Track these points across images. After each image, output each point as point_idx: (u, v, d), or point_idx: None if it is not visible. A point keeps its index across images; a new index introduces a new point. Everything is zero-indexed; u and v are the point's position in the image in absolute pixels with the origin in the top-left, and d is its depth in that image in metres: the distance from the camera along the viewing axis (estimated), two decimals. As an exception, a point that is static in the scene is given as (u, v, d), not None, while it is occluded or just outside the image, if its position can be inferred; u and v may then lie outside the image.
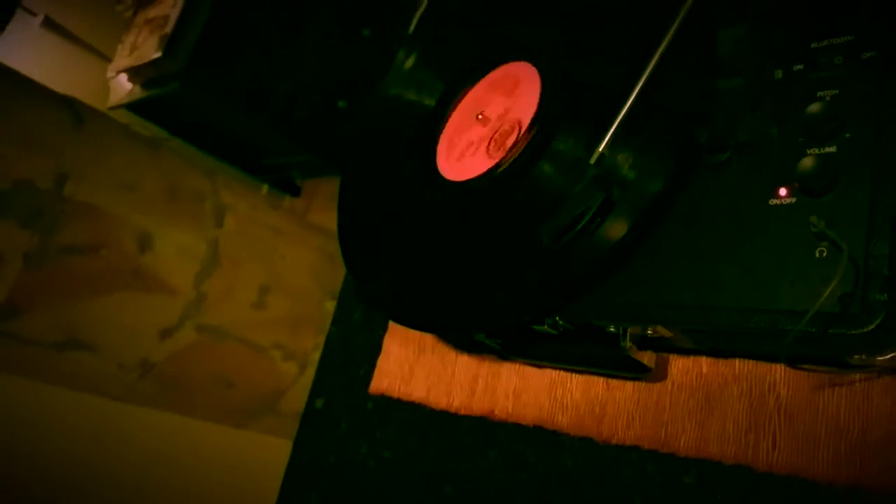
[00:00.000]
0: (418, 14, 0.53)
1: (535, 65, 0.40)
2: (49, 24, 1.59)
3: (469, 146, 0.42)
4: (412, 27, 0.51)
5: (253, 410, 1.36)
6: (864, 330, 0.27)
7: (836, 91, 0.30)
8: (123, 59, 1.58)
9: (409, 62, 0.47)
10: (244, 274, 1.24)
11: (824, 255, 0.28)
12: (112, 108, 1.60)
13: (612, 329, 0.34)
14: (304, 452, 0.53)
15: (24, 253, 1.01)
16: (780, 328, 0.28)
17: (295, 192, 1.81)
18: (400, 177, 0.45)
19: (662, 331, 0.33)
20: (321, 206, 1.69)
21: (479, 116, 0.42)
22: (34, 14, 1.59)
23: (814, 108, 0.30)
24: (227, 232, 1.23)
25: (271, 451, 1.23)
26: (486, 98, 0.42)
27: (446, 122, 0.44)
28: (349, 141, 0.48)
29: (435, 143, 0.44)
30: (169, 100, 1.55)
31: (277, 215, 1.37)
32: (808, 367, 0.32)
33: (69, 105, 1.18)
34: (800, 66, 0.32)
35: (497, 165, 0.39)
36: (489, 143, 0.41)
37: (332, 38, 1.72)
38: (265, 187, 1.79)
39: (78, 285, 1.08)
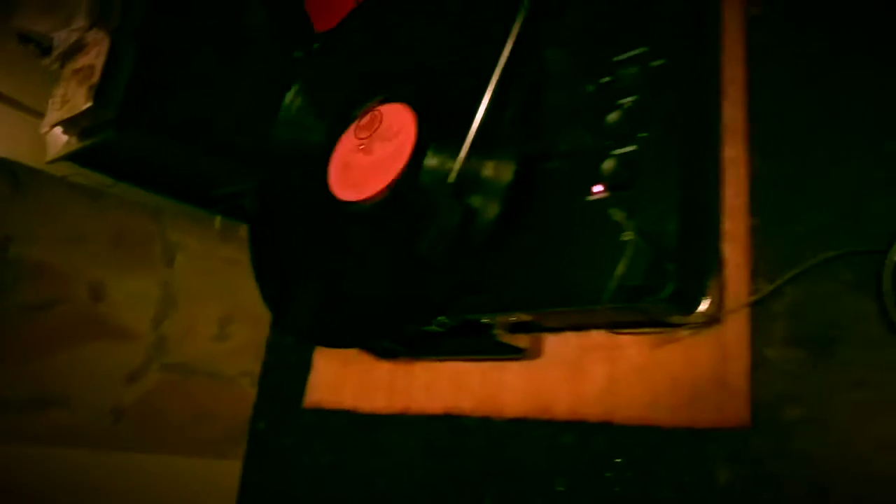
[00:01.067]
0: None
1: (408, 101, 0.46)
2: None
3: (356, 174, 0.48)
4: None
5: (232, 438, 1.40)
6: (662, 296, 0.33)
7: (635, 97, 0.37)
8: (55, 112, 1.60)
9: (296, 105, 0.53)
10: (202, 309, 1.29)
11: (629, 238, 0.34)
12: (50, 162, 1.62)
13: (485, 320, 0.40)
14: (252, 474, 0.59)
15: (-21, 318, 1.05)
16: (595, 303, 0.34)
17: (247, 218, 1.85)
18: (300, 208, 0.51)
19: (523, 316, 0.39)
20: (273, 230, 1.73)
21: (363, 147, 0.48)
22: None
23: (612, 116, 0.36)
24: (179, 270, 1.28)
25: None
26: (368, 132, 0.48)
27: (334, 154, 0.50)
28: (252, 183, 0.53)
29: (326, 174, 0.49)
30: (106, 147, 1.58)
31: (229, 246, 1.42)
32: (646, 331, 0.38)
33: (5, 168, 1.22)
34: (607, 78, 0.38)
35: (379, 191, 0.45)
36: (373, 170, 0.47)
37: (267, 63, 1.77)
38: (218, 219, 1.83)
39: (39, 342, 1.12)
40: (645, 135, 0.36)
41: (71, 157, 1.64)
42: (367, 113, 0.48)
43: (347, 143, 0.49)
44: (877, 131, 0.35)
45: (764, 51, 0.39)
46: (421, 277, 0.42)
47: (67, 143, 1.64)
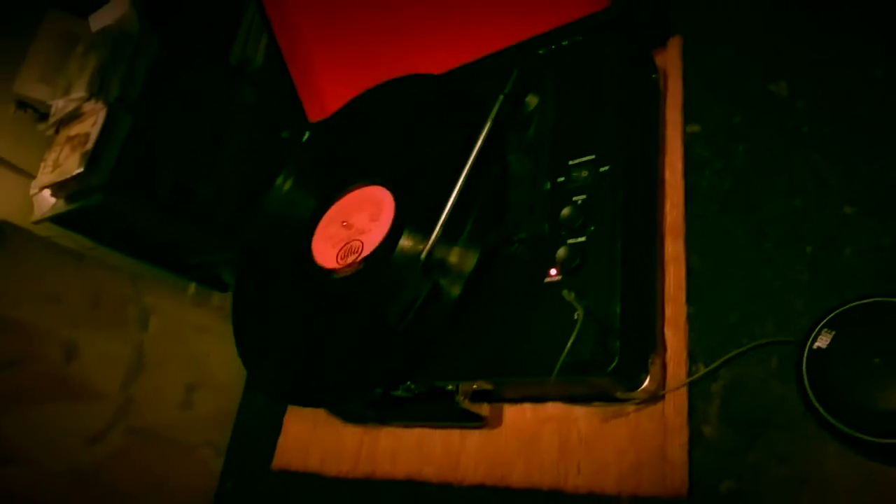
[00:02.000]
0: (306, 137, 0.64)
1: (385, 184, 0.50)
2: (-32, 148, 1.64)
3: (336, 248, 0.51)
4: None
5: (190, 511, 1.36)
6: (607, 371, 0.36)
7: (585, 196, 0.41)
8: (46, 175, 1.63)
9: (287, 185, 0.57)
10: (171, 374, 1.28)
11: (578, 317, 0.38)
12: (36, 222, 1.64)
13: (449, 387, 0.43)
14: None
15: (-54, 373, 1.03)
16: (547, 376, 0.37)
17: (223, 287, 1.86)
18: (281, 274, 0.54)
19: (483, 384, 0.42)
20: (248, 300, 1.74)
21: (344, 224, 0.52)
22: (-47, 139, 1.63)
23: (565, 211, 0.40)
24: (152, 334, 1.27)
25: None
26: (349, 211, 0.52)
27: (318, 227, 0.53)
28: (239, 254, 0.56)
29: (309, 245, 0.53)
30: (92, 211, 1.60)
31: (202, 313, 1.42)
32: (596, 405, 0.41)
33: (-8, 227, 1.23)
34: (562, 178, 0.43)
35: (358, 263, 0.48)
36: (352, 245, 0.50)
37: (252, 141, 1.83)
38: (192, 286, 1.84)
39: (3, 400, 1.10)
40: (592, 228, 0.40)
41: (56, 218, 1.66)
42: (350, 193, 0.52)
43: (331, 219, 0.52)
44: (796, 237, 0.39)
45: (700, 161, 0.44)
46: (390, 344, 0.44)
47: (55, 205, 1.66)
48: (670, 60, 0.48)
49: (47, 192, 1.67)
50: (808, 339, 0.34)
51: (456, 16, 0.55)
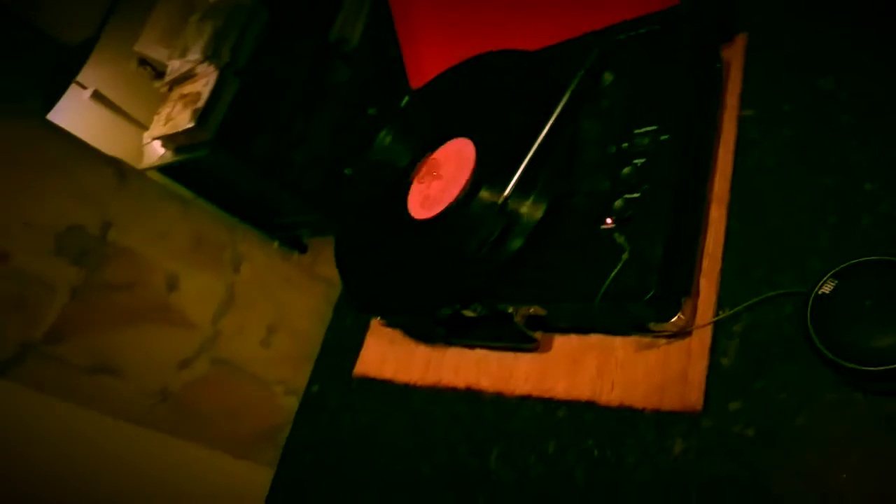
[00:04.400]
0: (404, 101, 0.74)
1: (472, 140, 0.60)
2: (97, 96, 1.84)
3: (431, 192, 0.61)
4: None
5: (255, 442, 1.50)
6: (645, 297, 0.44)
7: (644, 160, 0.49)
8: (159, 127, 1.81)
9: (388, 139, 0.67)
10: (255, 315, 1.42)
11: (625, 256, 0.46)
12: (145, 169, 1.82)
13: (510, 310, 0.52)
14: (301, 430, 0.70)
15: (71, 287, 1.20)
16: (593, 300, 0.46)
17: (302, 249, 2.01)
18: (380, 215, 0.65)
19: (538, 310, 0.51)
20: (326, 260, 1.88)
21: (436, 174, 0.61)
22: (85, 88, 1.84)
23: (626, 170, 0.49)
24: (243, 278, 1.42)
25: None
26: (441, 162, 0.62)
27: (414, 177, 0.63)
28: (344, 191, 0.67)
29: (407, 190, 0.63)
30: (196, 164, 1.78)
31: (288, 266, 1.57)
32: (634, 335, 0.50)
33: (114, 165, 1.40)
34: (626, 145, 0.51)
35: (446, 206, 0.58)
36: (443, 192, 0.60)
37: (342, 115, 1.97)
38: (276, 243, 2.00)
39: (113, 317, 1.26)
40: (647, 186, 0.48)
41: (163, 168, 1.84)
42: (442, 148, 0.62)
43: (424, 168, 0.62)
44: (823, 209, 0.46)
45: (751, 141, 0.52)
46: (466, 270, 0.54)
47: (163, 156, 1.85)
48: (734, 54, 0.55)
49: (157, 143, 1.86)
50: (815, 287, 0.41)
51: (552, 5, 0.64)
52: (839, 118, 0.48)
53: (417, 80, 0.75)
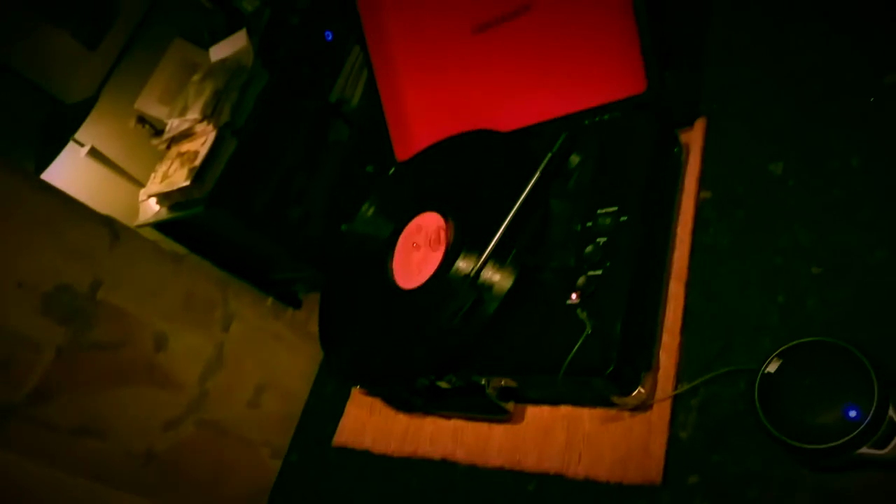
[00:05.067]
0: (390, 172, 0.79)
1: (449, 214, 0.64)
2: (94, 153, 1.91)
3: (410, 263, 0.65)
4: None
5: (245, 506, 1.51)
6: (605, 373, 0.48)
7: (606, 239, 0.54)
8: (155, 185, 1.88)
9: (370, 211, 0.72)
10: (243, 374, 1.45)
11: (587, 331, 0.50)
12: (140, 226, 1.88)
13: (482, 381, 0.56)
14: (279, 498, 0.72)
15: (57, 346, 1.23)
16: (557, 373, 0.49)
17: (297, 304, 2.05)
18: (360, 285, 0.69)
19: (509, 382, 0.55)
20: (318, 318, 1.92)
21: (414, 244, 0.66)
22: (82, 145, 1.91)
23: (589, 248, 0.53)
24: (233, 337, 1.45)
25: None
26: (420, 234, 0.66)
27: (395, 247, 0.68)
28: (330, 261, 0.71)
29: (387, 261, 0.67)
30: (191, 221, 1.83)
31: (279, 324, 1.60)
32: (599, 408, 0.53)
33: (108, 223, 1.45)
34: (590, 223, 0.55)
35: (424, 279, 0.62)
36: (421, 264, 0.64)
37: (340, 172, 2.04)
38: (270, 299, 2.04)
39: (99, 378, 1.29)
40: (608, 264, 0.52)
41: (158, 224, 1.90)
42: (421, 218, 0.66)
43: (405, 239, 0.66)
44: (773, 289, 0.50)
45: (707, 223, 0.56)
46: (440, 342, 0.58)
47: (158, 212, 1.91)
48: (694, 138, 0.60)
49: (153, 200, 1.92)
50: (761, 366, 0.45)
51: (526, 86, 0.70)
52: (788, 202, 0.53)
53: (403, 153, 0.80)
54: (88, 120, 1.97)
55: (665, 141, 0.58)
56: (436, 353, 0.58)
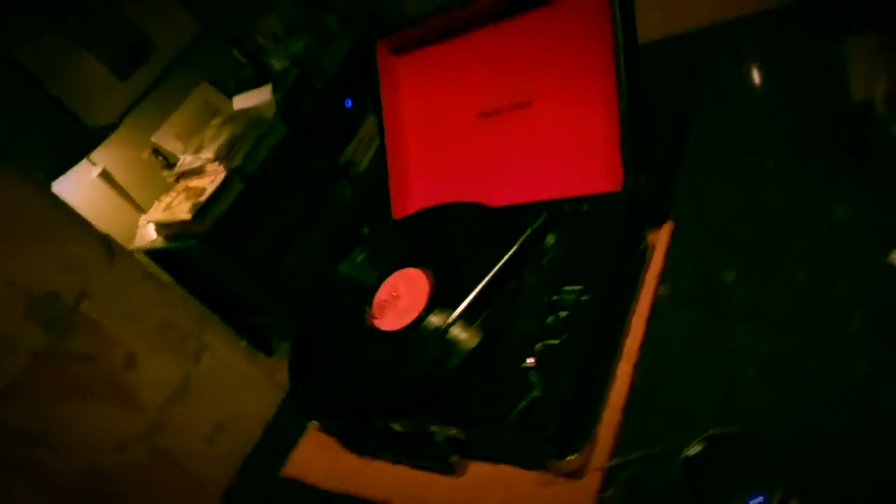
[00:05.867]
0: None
1: (433, 272, 0.69)
2: (104, 175, 1.97)
3: (388, 311, 0.69)
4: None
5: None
6: (545, 433, 0.51)
7: (567, 313, 0.58)
8: (157, 213, 1.93)
9: (360, 258, 0.77)
10: (206, 409, 1.45)
11: (536, 394, 0.54)
12: (135, 250, 1.92)
13: (433, 429, 0.59)
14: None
15: (33, 350, 1.25)
16: (502, 428, 0.52)
17: (269, 351, 2.06)
18: (337, 324, 0.73)
19: (458, 433, 0.58)
20: (289, 368, 1.93)
21: (395, 294, 0.70)
22: (95, 164, 1.97)
23: (550, 319, 0.58)
24: (202, 369, 1.46)
25: None
26: (400, 285, 0.70)
27: (377, 296, 0.72)
28: (313, 298, 0.76)
29: (366, 305, 0.71)
30: (183, 253, 1.88)
31: (250, 366, 1.61)
32: (537, 471, 0.56)
33: (105, 242, 1.49)
34: (556, 297, 0.60)
35: (399, 328, 0.66)
36: (398, 313, 0.68)
37: (337, 230, 2.10)
38: (244, 342, 2.05)
39: (65, 387, 1.30)
40: (566, 336, 0.57)
41: (152, 251, 1.94)
42: (405, 272, 0.71)
43: (386, 287, 0.71)
44: (713, 381, 0.54)
45: (661, 315, 0.61)
46: (402, 386, 0.61)
47: (154, 240, 1.95)
48: (661, 238, 0.66)
49: (152, 227, 1.97)
50: (684, 450, 0.49)
51: (518, 169, 0.76)
52: (735, 307, 0.58)
53: (399, 212, 0.86)
54: (106, 143, 2.05)
55: (632, 236, 0.63)
56: (395, 396, 0.61)
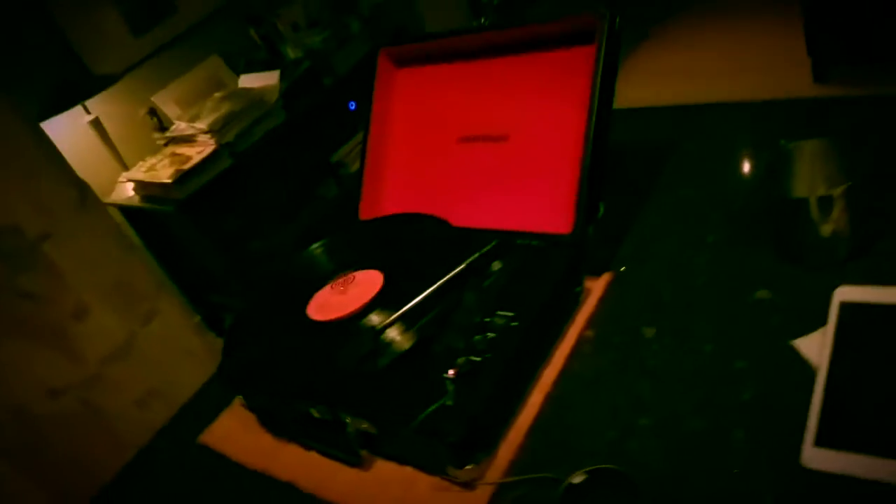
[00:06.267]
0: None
1: (384, 274, 0.73)
2: (96, 123, 2.00)
3: (329, 303, 0.73)
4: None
5: (81, 496, 1.47)
6: (447, 440, 0.56)
7: (494, 335, 0.63)
8: (139, 172, 1.96)
9: (319, 250, 0.81)
10: (143, 373, 1.47)
11: (450, 402, 0.58)
12: (108, 203, 1.94)
13: (347, 420, 0.63)
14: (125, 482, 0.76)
15: (-15, 281, 1.26)
16: (409, 427, 0.57)
17: (220, 332, 2.08)
18: (281, 308, 0.77)
19: (370, 427, 0.62)
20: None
21: (342, 289, 0.74)
22: (89, 112, 2.00)
23: (477, 338, 0.62)
24: (149, 333, 1.49)
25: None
26: (355, 282, 0.75)
27: (328, 286, 0.76)
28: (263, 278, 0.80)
29: (312, 295, 0.75)
30: (156, 216, 1.90)
31: (197, 341, 1.63)
32: (436, 476, 0.60)
33: (81, 188, 1.52)
34: (488, 319, 0.65)
35: (338, 316, 0.70)
36: (338, 306, 0.72)
37: (316, 224, 2.14)
38: (198, 318, 2.07)
39: (10, 324, 1.31)
40: (489, 356, 0.61)
41: (126, 208, 1.96)
42: (358, 272, 0.75)
43: (334, 285, 0.75)
44: (610, 425, 0.59)
45: (581, 354, 0.66)
46: (329, 375, 0.65)
47: (130, 197, 1.98)
48: (598, 286, 0.71)
49: (131, 185, 1.99)
50: (562, 484, 0.53)
51: (483, 195, 0.81)
52: (647, 361, 0.63)
53: (367, 213, 0.91)
54: (104, 93, 2.08)
55: (571, 278, 0.68)
56: (321, 384, 0.65)
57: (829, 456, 0.50)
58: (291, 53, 2.34)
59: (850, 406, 0.52)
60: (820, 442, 0.51)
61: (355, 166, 2.28)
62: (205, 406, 0.82)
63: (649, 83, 2.71)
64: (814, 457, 0.50)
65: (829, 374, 0.55)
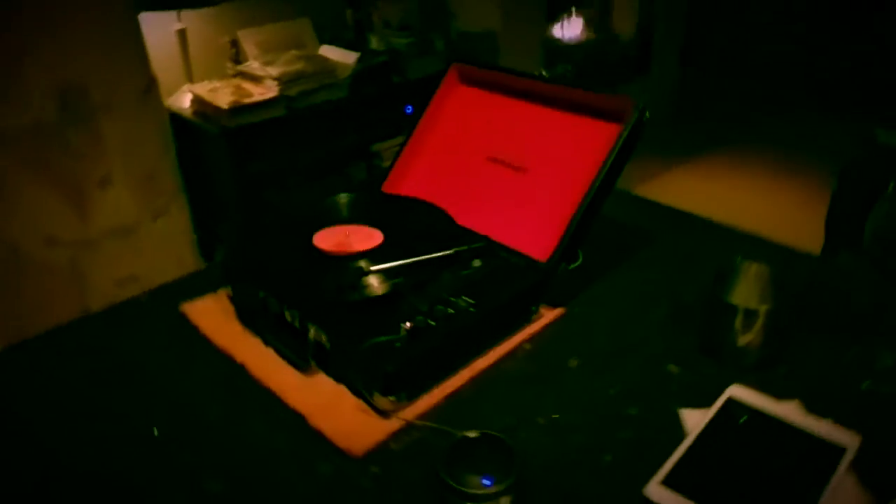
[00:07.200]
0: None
1: (384, 234, 0.87)
2: (182, 33, 2.16)
3: (332, 239, 0.87)
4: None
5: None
6: (387, 368, 0.69)
7: (453, 312, 0.76)
8: (202, 89, 2.12)
9: (344, 199, 0.96)
10: (133, 258, 1.60)
11: (400, 344, 0.71)
12: (168, 105, 2.09)
13: (311, 328, 0.76)
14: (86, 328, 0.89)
15: (39, 121, 1.41)
16: (358, 347, 0.70)
17: (209, 258, 2.21)
18: (292, 229, 0.91)
19: (325, 340, 0.75)
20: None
21: (346, 234, 0.88)
22: (180, 21, 2.17)
23: (439, 307, 0.76)
24: (154, 227, 1.62)
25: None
26: (361, 232, 0.88)
27: (341, 228, 0.90)
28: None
29: (317, 228, 0.89)
30: (201, 133, 2.06)
31: (188, 254, 1.77)
32: (361, 399, 0.73)
33: (150, 80, 1.67)
34: (453, 298, 0.78)
35: (338, 251, 0.84)
36: (339, 244, 0.86)
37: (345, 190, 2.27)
38: (195, 237, 2.21)
39: (38, 165, 1.44)
40: (442, 325, 0.74)
41: (176, 117, 2.12)
42: (365, 227, 0.89)
43: (344, 228, 0.89)
44: (514, 414, 0.72)
45: (515, 360, 0.79)
46: (310, 291, 0.79)
47: (185, 108, 2.13)
48: (548, 315, 0.85)
49: (189, 97, 2.15)
50: (462, 434, 0.65)
51: (489, 206, 0.96)
52: (562, 383, 0.76)
53: (389, 189, 1.05)
54: (200, 11, 2.25)
55: (531, 298, 0.82)
56: (303, 296, 0.79)
57: (667, 495, 0.62)
58: (375, 44, 2.53)
59: (697, 467, 0.65)
60: (666, 482, 0.64)
61: (388, 163, 2.44)
62: (188, 286, 0.95)
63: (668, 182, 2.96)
64: (655, 491, 0.63)
65: (695, 441, 0.68)
